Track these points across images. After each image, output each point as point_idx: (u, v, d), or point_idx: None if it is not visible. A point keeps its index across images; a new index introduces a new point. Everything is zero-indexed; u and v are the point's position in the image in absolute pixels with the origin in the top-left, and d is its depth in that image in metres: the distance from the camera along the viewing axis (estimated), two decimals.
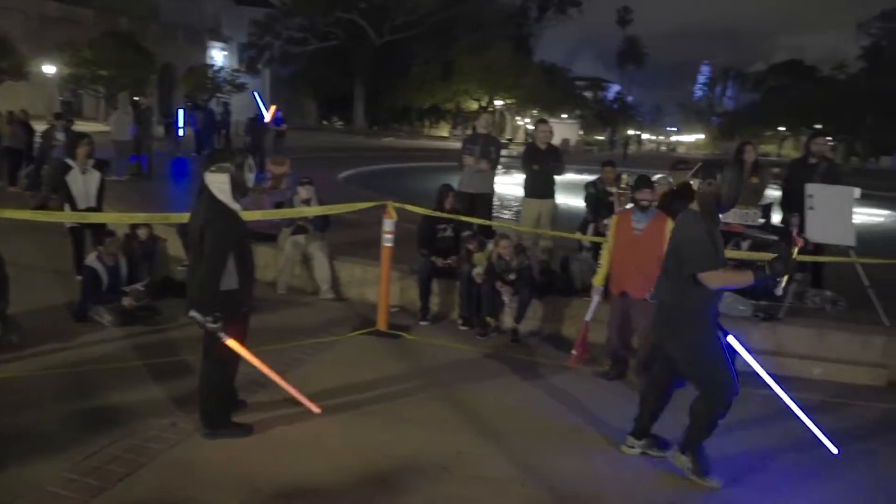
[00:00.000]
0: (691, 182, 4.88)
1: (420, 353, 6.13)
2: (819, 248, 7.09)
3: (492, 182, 8.59)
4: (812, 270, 7.35)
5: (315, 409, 4.54)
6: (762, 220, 7.16)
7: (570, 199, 10.48)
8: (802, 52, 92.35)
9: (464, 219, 7.09)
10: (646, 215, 5.43)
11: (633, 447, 4.45)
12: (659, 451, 4.39)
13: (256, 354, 4.41)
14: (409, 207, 6.87)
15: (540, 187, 8.06)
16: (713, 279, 3.90)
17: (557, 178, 8.11)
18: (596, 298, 5.73)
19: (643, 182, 5.54)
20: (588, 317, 5.76)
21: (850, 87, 56.48)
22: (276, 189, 8.65)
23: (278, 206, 7.69)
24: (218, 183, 4.15)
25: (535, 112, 57.63)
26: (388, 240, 6.53)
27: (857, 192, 7.25)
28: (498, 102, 53.30)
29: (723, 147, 72.09)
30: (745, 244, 6.77)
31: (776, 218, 7.74)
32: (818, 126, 43.71)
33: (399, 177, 21.03)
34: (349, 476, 3.97)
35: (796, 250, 4.13)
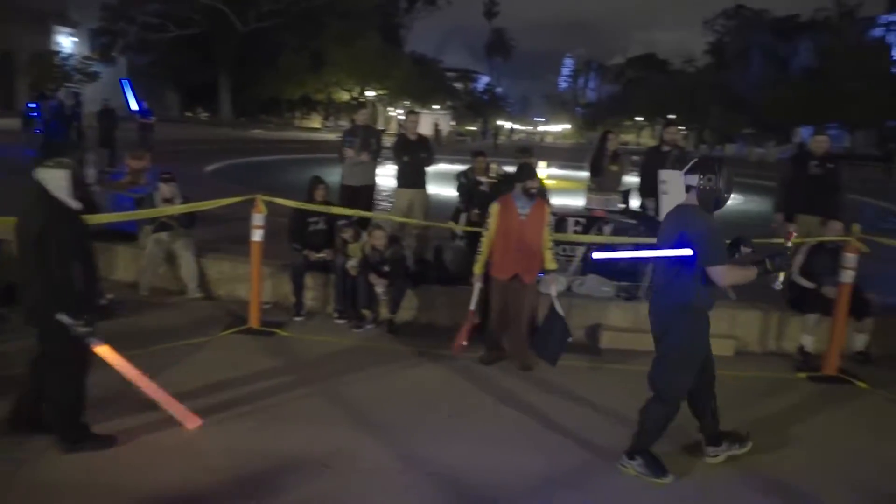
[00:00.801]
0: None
1: (295, 349, 6.02)
2: None
3: (373, 174, 8.55)
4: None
5: (191, 424, 4.35)
6: (622, 206, 7.57)
7: (442, 188, 10.61)
8: (656, 47, 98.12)
9: (335, 211, 7.00)
10: (530, 201, 5.63)
11: (717, 455, 4.31)
12: (741, 447, 4.35)
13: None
14: (278, 201, 6.70)
15: (411, 177, 8.12)
16: (723, 274, 3.85)
17: (429, 168, 8.18)
18: (478, 286, 5.81)
19: (529, 170, 5.73)
20: (472, 305, 5.83)
21: (698, 79, 60.63)
22: (136, 184, 8.17)
23: (138, 202, 7.26)
24: (56, 180, 3.86)
25: (407, 103, 57.80)
26: (257, 234, 6.35)
27: None
28: (370, 93, 52.96)
29: (587, 136, 75.36)
30: (607, 228, 7.12)
31: (635, 203, 8.20)
32: (671, 116, 46.71)
33: (269, 170, 20.46)
34: (224, 480, 3.85)
35: (790, 243, 4.24)
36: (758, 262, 3.93)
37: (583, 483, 4.05)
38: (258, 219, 6.33)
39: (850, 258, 5.93)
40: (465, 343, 5.77)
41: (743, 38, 64.08)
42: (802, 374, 6.06)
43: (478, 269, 5.80)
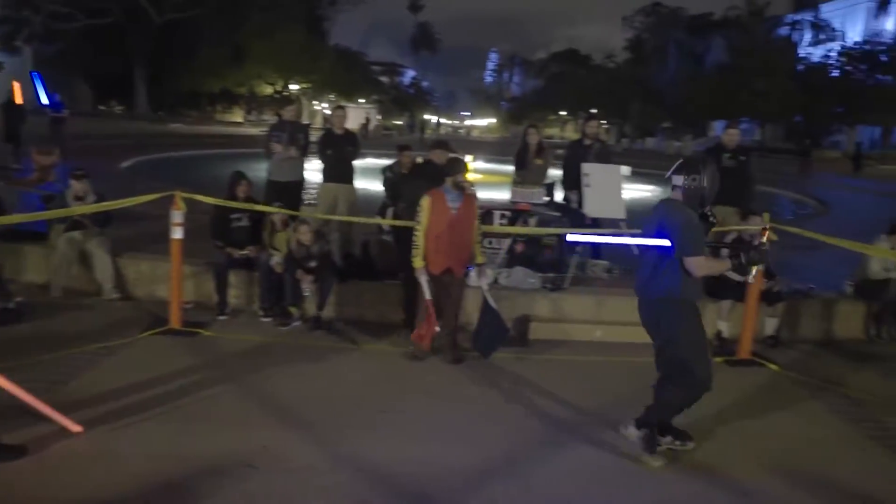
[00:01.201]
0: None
1: (219, 348, 5.87)
2: (596, 223, 7.76)
3: (301, 169, 8.40)
4: (591, 243, 8.03)
5: (73, 427, 4.16)
6: (546, 198, 7.69)
7: (369, 183, 10.55)
8: (578, 42, 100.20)
9: (258, 208, 6.85)
10: (459, 195, 5.66)
11: (659, 445, 4.37)
12: (682, 444, 4.43)
13: (31, 366, 3.96)
14: (199, 198, 6.51)
15: (336, 172, 8.02)
16: (699, 264, 3.98)
17: (355, 162, 8.10)
18: (424, 278, 5.71)
19: (460, 165, 5.76)
20: (427, 295, 5.73)
21: (619, 75, 62.30)
22: (44, 181, 7.79)
23: (46, 200, 6.92)
24: None
25: (332, 97, 57.10)
26: (177, 232, 6.15)
27: (626, 169, 8.02)
28: (293, 87, 52.07)
29: (511, 130, 76.30)
30: (532, 221, 7.23)
31: (559, 196, 8.35)
32: (593, 110, 47.79)
33: (189, 165, 19.83)
34: (144, 486, 3.71)
35: (765, 239, 4.43)
36: (733, 255, 4.12)
37: (514, 472, 4.10)
38: (177, 216, 6.13)
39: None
40: (437, 329, 5.69)
41: (660, 34, 66.11)
42: (719, 359, 6.29)
43: (418, 262, 5.69)
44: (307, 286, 6.41)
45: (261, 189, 7.79)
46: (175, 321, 6.17)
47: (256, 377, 5.29)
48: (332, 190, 8.02)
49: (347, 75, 55.76)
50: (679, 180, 4.15)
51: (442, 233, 5.62)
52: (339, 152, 7.97)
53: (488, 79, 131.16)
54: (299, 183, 8.31)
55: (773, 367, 6.15)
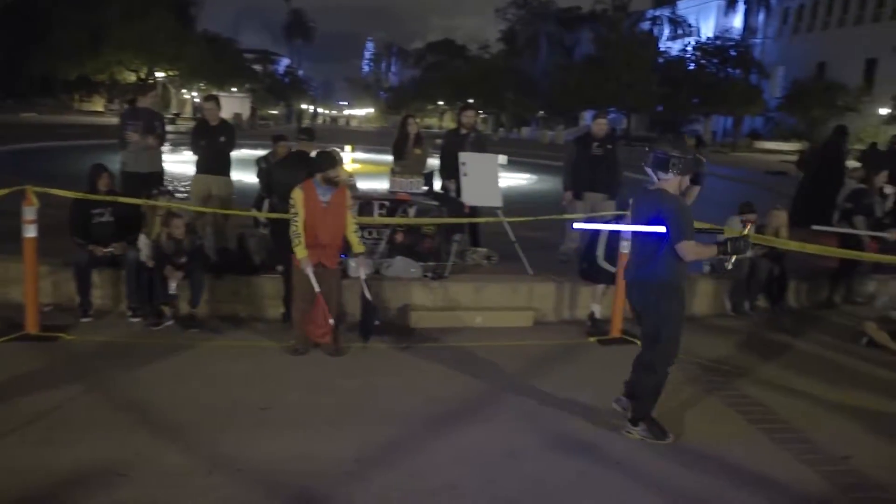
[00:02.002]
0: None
1: (83, 353, 5.51)
2: (474, 211, 7.90)
3: (160, 160, 7.98)
4: (470, 231, 8.17)
5: None
6: (426, 188, 7.74)
7: (244, 175, 10.21)
8: (454, 33, 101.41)
9: (122, 200, 6.45)
10: (331, 188, 5.58)
11: (631, 433, 4.56)
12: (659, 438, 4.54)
13: None
14: (54, 192, 6.06)
15: (210, 164, 7.72)
16: (689, 249, 4.19)
17: (232, 153, 7.81)
18: (310, 269, 5.58)
19: (330, 159, 5.64)
20: (316, 288, 5.60)
21: (494, 65, 63.51)
22: None
23: None
24: None
25: (202, 85, 54.71)
26: (30, 230, 5.70)
27: (502, 158, 8.20)
28: (159, 74, 49.44)
29: (390, 120, 76.14)
30: (411, 210, 7.25)
31: (438, 185, 8.42)
32: (470, 100, 48.52)
33: (44, 157, 18.36)
34: (9, 503, 3.44)
35: (749, 229, 4.62)
36: (720, 242, 4.28)
37: (399, 461, 4.12)
38: (30, 212, 5.68)
39: (627, 231, 6.53)
40: (331, 321, 5.62)
41: (531, 27, 67.93)
42: (593, 339, 6.61)
43: (301, 253, 5.56)
44: (175, 283, 6.11)
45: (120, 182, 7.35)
46: (31, 325, 5.73)
47: (126, 381, 5.01)
48: (206, 182, 7.70)
49: (217, 63, 53.51)
50: (668, 175, 4.31)
51: (314, 226, 5.55)
52: (214, 143, 7.66)
53: (366, 68, 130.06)
54: (160, 174, 7.91)
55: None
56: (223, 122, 7.97)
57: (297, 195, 5.56)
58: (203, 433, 4.33)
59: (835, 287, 8.02)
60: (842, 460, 4.40)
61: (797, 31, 60.56)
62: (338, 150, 7.47)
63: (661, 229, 4.25)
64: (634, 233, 4.55)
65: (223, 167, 7.82)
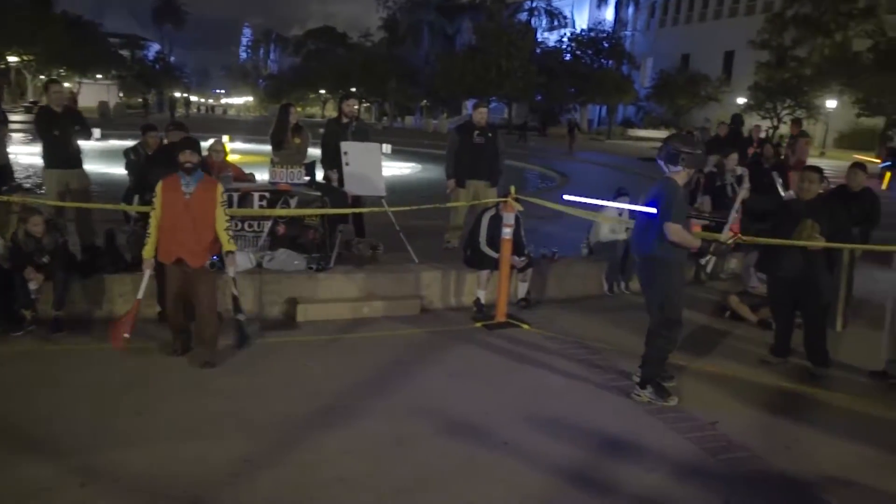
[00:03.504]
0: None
1: None
2: (358, 201, 7.83)
3: (5, 152, 7.36)
4: (354, 221, 8.10)
5: None
6: (307, 178, 7.58)
7: (111, 167, 9.64)
8: (334, 20, 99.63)
9: None
10: (194, 178, 5.21)
11: (640, 396, 5.05)
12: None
13: None
14: None
15: (65, 156, 7.17)
16: (672, 230, 4.70)
17: (87, 143, 7.30)
18: (147, 272, 5.33)
19: (185, 144, 5.31)
20: (140, 294, 5.32)
21: (376, 53, 62.99)
22: None
23: None
24: None
25: (62, 72, 51.05)
26: None
27: (386, 147, 8.17)
28: (11, 59, 45.65)
29: (270, 109, 74.03)
30: (292, 201, 7.09)
31: (320, 175, 8.27)
32: (352, 89, 48.02)
33: None
34: None
35: (730, 236, 5.36)
36: (705, 241, 4.77)
37: (285, 459, 4.03)
38: None
39: (508, 216, 6.69)
40: (127, 336, 5.17)
41: (413, 15, 67.87)
42: (479, 324, 6.73)
43: (146, 252, 5.25)
44: (36, 285, 5.67)
45: None
46: None
47: None
48: (63, 177, 7.16)
49: (80, 48, 49.99)
50: (678, 167, 4.89)
51: (174, 220, 5.16)
52: (68, 133, 7.12)
53: (243, 55, 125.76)
54: (8, 167, 7.33)
55: (525, 326, 6.70)
56: (70, 108, 7.41)
57: (158, 188, 5.22)
58: (75, 443, 4.06)
59: (699, 265, 8.55)
60: (710, 426, 4.72)
61: (663, 24, 64.09)
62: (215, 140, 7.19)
63: (653, 210, 4.82)
64: (638, 212, 5.13)
65: (78, 159, 7.30)
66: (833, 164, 24.39)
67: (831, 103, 37.94)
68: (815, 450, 4.49)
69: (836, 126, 42.44)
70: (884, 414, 5.11)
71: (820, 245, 5.42)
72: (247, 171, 7.90)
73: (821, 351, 5.71)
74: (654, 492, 3.92)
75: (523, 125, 45.08)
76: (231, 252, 5.38)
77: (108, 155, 12.37)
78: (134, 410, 4.54)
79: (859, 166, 7.44)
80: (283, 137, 8.20)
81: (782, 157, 11.28)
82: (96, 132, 7.60)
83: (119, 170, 8.98)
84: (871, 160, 24.86)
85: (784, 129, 20.23)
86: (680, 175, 4.92)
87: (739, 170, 8.64)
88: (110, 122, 31.54)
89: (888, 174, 21.58)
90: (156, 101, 68.82)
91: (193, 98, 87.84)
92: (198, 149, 5.34)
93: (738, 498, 3.90)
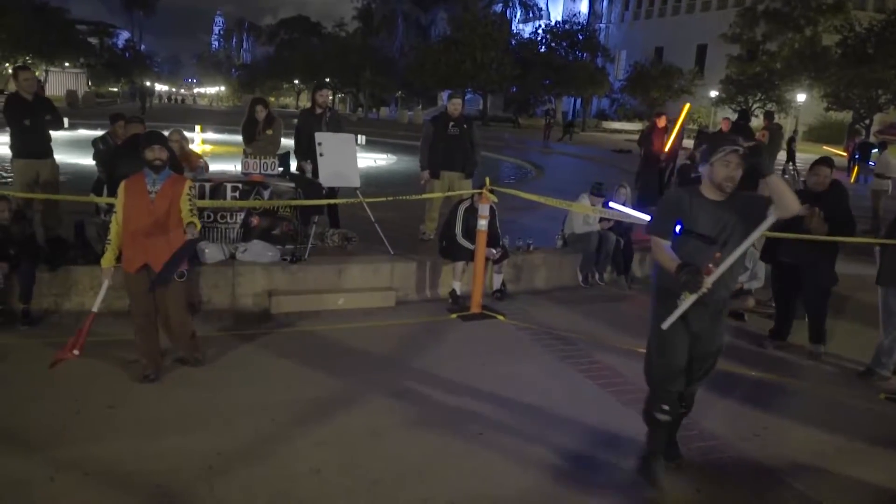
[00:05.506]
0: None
1: None
2: (332, 192, 7.77)
3: None
4: (329, 212, 8.04)
5: None
6: (281, 169, 7.52)
7: (80, 157, 9.46)
8: (307, 9, 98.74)
9: None
10: (161, 177, 4.78)
11: None
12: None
13: None
14: None
15: (36, 145, 7.02)
16: (655, 245, 3.79)
17: (55, 132, 7.16)
18: (106, 283, 4.84)
19: (154, 138, 4.87)
20: (95, 307, 4.87)
21: (350, 43, 62.55)
22: None
23: None
24: None
25: (28, 59, 49.89)
26: None
27: (361, 138, 8.10)
28: None
29: (243, 99, 73.22)
30: (266, 193, 7.02)
31: (293, 166, 8.20)
32: (327, 79, 47.64)
33: None
34: None
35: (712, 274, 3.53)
36: (682, 266, 3.58)
37: (259, 451, 4.00)
38: None
39: (483, 208, 6.69)
40: (77, 353, 4.68)
41: (387, 5, 67.44)
42: (454, 315, 6.73)
43: (105, 260, 4.78)
44: (1, 276, 5.56)
45: None
46: None
47: None
48: (33, 167, 7.01)
49: (44, 34, 48.84)
50: (703, 168, 3.80)
51: (138, 223, 4.68)
52: (39, 122, 6.97)
53: (215, 44, 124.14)
54: None
55: (500, 317, 6.72)
56: (39, 96, 7.24)
57: (120, 190, 4.79)
58: (45, 438, 3.99)
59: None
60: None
61: (637, 17, 64.50)
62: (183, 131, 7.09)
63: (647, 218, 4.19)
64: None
65: (49, 148, 7.14)
66: (802, 157, 24.83)
67: (801, 97, 38.49)
68: (784, 437, 4.58)
69: (805, 119, 43.11)
70: (853, 402, 5.22)
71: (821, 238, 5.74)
72: (219, 162, 7.79)
73: (820, 331, 6.15)
74: (628, 480, 3.96)
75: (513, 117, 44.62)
76: (192, 222, 4.65)
77: (76, 144, 12.15)
78: (105, 404, 4.48)
79: (823, 162, 6.33)
80: (253, 131, 8.09)
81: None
82: (64, 121, 7.45)
83: (87, 160, 8.83)
84: (839, 153, 25.36)
85: (756, 123, 20.51)
86: (704, 175, 3.82)
87: None
88: (79, 112, 30.97)
89: (856, 168, 21.99)
90: (129, 89, 67.60)
91: (164, 87, 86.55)
92: (166, 143, 4.87)
93: (709, 486, 3.96)
